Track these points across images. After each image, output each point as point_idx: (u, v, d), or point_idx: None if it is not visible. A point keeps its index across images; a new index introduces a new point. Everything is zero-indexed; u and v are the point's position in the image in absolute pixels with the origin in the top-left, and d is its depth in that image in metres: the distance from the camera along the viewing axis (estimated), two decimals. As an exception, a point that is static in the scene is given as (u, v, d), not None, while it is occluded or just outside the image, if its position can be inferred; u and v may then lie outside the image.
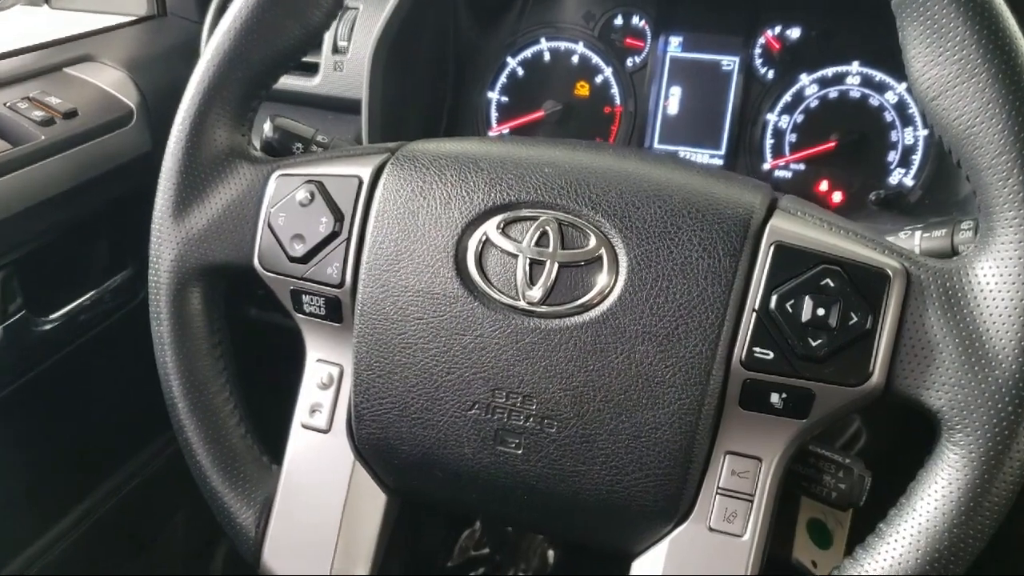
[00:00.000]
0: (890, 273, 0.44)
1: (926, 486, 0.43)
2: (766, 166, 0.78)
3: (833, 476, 0.51)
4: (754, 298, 0.45)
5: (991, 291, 0.42)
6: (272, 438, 0.58)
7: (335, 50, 0.80)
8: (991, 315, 0.42)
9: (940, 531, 0.42)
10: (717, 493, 0.47)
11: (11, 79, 0.74)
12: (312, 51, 0.59)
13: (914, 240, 0.53)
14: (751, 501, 0.47)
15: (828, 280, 0.44)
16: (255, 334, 0.84)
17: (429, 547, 1.37)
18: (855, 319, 0.43)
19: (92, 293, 0.77)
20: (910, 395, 0.43)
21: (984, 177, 0.42)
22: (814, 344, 0.44)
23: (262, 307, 0.92)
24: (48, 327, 0.73)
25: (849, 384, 0.44)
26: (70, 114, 0.72)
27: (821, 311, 0.44)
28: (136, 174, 0.79)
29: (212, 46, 0.55)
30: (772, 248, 0.45)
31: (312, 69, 0.81)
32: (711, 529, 0.47)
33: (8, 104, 0.70)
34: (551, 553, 1.41)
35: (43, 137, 0.69)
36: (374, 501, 0.54)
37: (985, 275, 0.42)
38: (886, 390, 0.44)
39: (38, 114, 0.71)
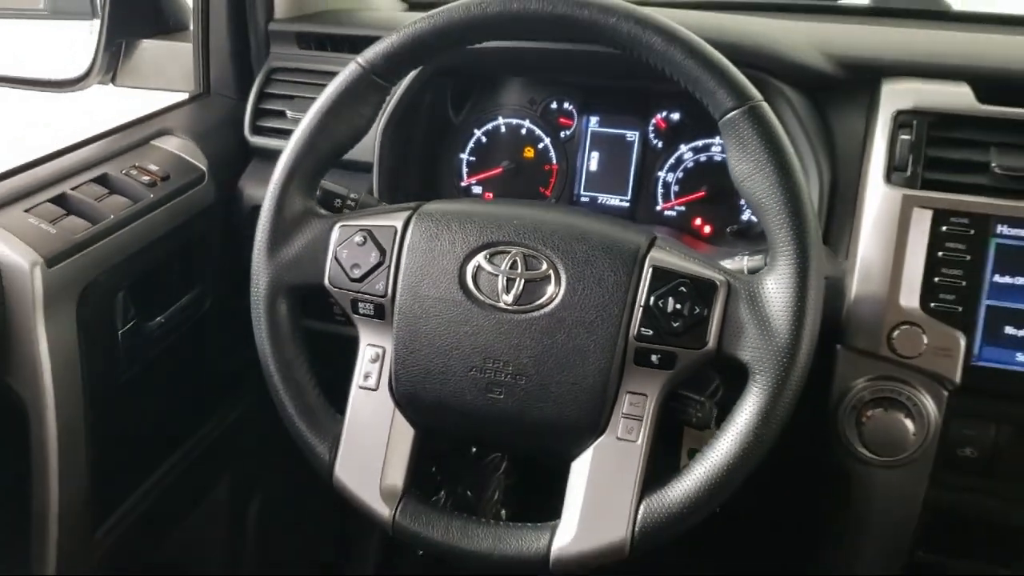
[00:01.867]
0: (718, 284, 0.75)
1: (741, 406, 0.74)
2: (658, 208, 1.10)
3: (695, 409, 0.82)
4: (641, 298, 0.75)
5: (774, 294, 0.73)
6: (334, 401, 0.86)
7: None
8: (774, 308, 0.73)
9: (748, 431, 0.73)
10: (622, 416, 0.77)
11: (120, 151, 1.02)
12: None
13: (744, 261, 0.84)
14: (641, 420, 0.77)
15: (682, 288, 0.75)
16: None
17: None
18: (698, 310, 0.74)
19: (175, 306, 1.05)
20: (730, 354, 0.74)
21: (770, 228, 0.73)
22: (675, 325, 0.75)
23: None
24: (152, 330, 1.01)
25: (695, 348, 0.75)
26: (165, 177, 1.01)
27: (679, 306, 0.75)
28: (204, 220, 1.07)
29: (291, 143, 0.83)
30: (651, 269, 0.76)
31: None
32: (618, 438, 0.77)
33: (123, 171, 0.98)
34: (503, 512, 1.71)
35: (151, 196, 0.98)
36: (407, 434, 0.83)
37: (771, 285, 0.73)
38: (717, 352, 0.75)
39: (145, 178, 0.99)
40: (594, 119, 1.12)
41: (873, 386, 0.89)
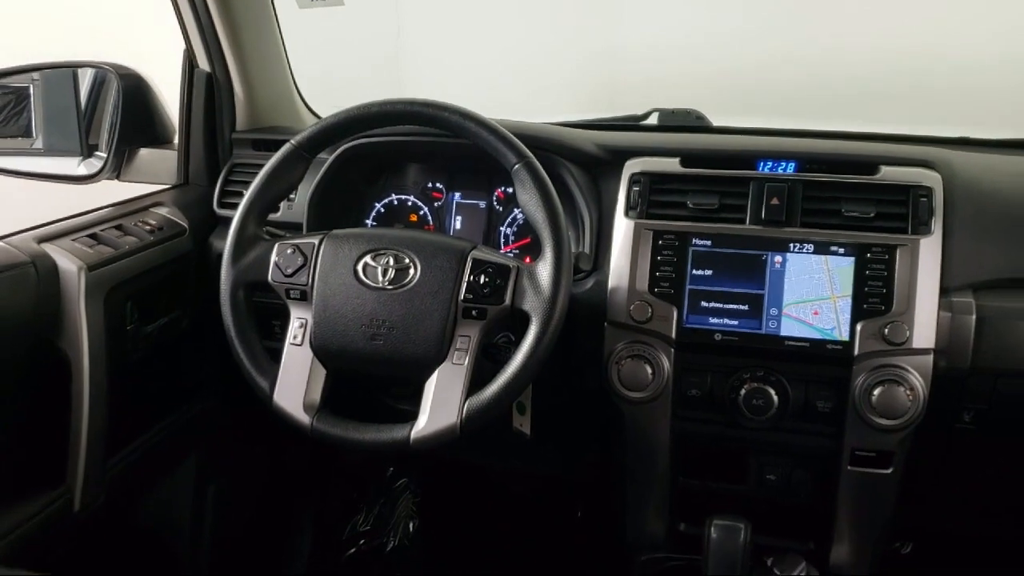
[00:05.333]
0: (511, 267, 1.22)
1: (525, 338, 1.20)
2: (501, 251, 1.60)
3: (504, 353, 1.29)
4: (466, 277, 1.23)
5: (542, 271, 1.21)
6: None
7: (287, 198, 1.59)
8: (542, 279, 1.20)
9: (529, 351, 1.18)
10: (455, 350, 1.22)
11: (130, 212, 1.50)
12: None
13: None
14: (467, 352, 1.22)
15: (490, 270, 1.22)
16: None
17: (329, 526, 2.07)
18: (499, 282, 1.21)
19: (162, 320, 1.51)
20: (518, 307, 1.21)
21: (539, 233, 1.22)
22: (486, 291, 1.21)
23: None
24: (146, 333, 1.46)
25: (497, 305, 1.22)
26: (160, 228, 1.49)
27: (487, 280, 1.21)
28: (185, 262, 1.54)
29: (249, 192, 1.32)
30: (471, 260, 1.23)
31: (277, 209, 1.59)
32: (453, 364, 1.22)
33: (133, 224, 1.46)
34: (412, 524, 2.12)
35: (152, 238, 1.45)
36: (321, 373, 1.24)
37: (541, 266, 1.21)
38: (511, 307, 1.22)
39: (147, 228, 1.47)
40: (457, 194, 1.63)
41: (628, 347, 1.37)
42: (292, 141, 1.32)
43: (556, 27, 2.97)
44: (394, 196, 1.65)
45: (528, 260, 1.57)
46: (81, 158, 1.78)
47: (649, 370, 1.35)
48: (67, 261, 1.29)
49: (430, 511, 2.10)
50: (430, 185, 1.64)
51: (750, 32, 2.53)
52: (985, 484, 1.54)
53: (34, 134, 1.83)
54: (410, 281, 1.24)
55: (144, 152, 1.73)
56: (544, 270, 1.21)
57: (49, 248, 1.30)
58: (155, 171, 1.72)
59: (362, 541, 2.07)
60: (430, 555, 2.06)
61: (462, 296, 1.22)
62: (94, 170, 1.69)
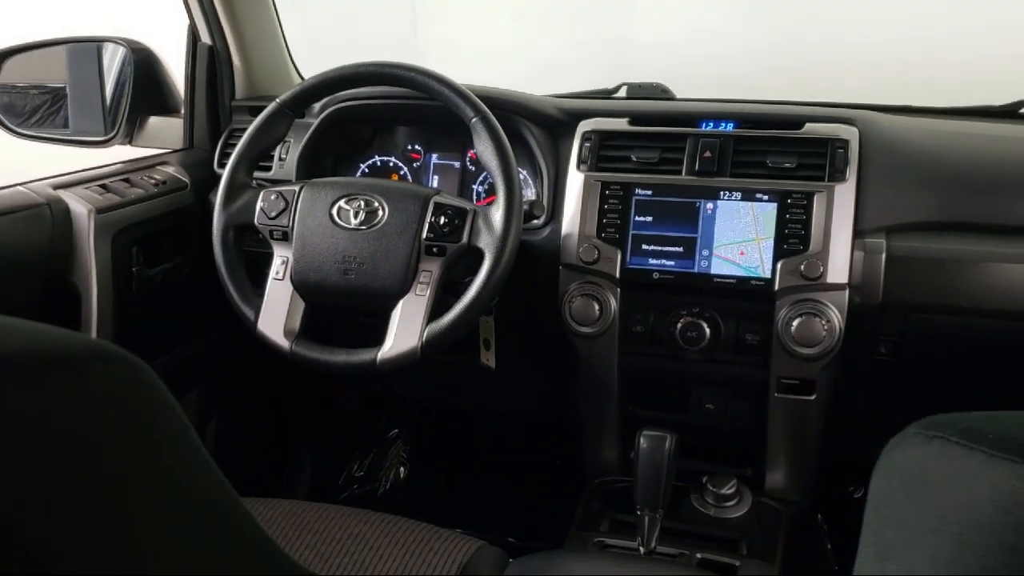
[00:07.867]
0: (468, 210, 1.38)
1: (479, 271, 1.36)
2: (475, 204, 1.75)
3: (463, 288, 1.45)
4: (428, 218, 1.39)
5: (495, 213, 1.36)
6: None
7: (279, 157, 1.75)
8: (495, 220, 1.36)
9: (482, 283, 1.34)
10: (418, 283, 1.39)
11: (138, 168, 1.67)
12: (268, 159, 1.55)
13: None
14: (429, 284, 1.38)
15: (450, 211, 1.38)
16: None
17: (325, 472, 2.23)
18: (457, 223, 1.38)
19: (165, 265, 1.68)
20: (473, 244, 1.36)
21: (494, 180, 1.38)
22: (445, 231, 1.37)
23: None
24: (150, 276, 1.63)
25: (456, 243, 1.37)
26: (164, 182, 1.66)
27: (446, 220, 1.38)
28: (185, 213, 1.72)
29: (239, 145, 1.49)
30: (433, 204, 1.40)
31: (270, 168, 1.75)
32: (416, 295, 1.38)
33: (140, 177, 1.64)
34: (402, 469, 2.28)
35: (156, 191, 1.63)
36: (300, 305, 1.42)
37: (494, 209, 1.37)
38: (468, 244, 1.38)
39: (152, 182, 1.64)
40: (434, 155, 1.79)
41: (579, 287, 1.52)
42: (277, 100, 1.49)
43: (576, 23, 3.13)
44: (377, 157, 1.81)
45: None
46: (104, 136, 1.96)
47: (597, 307, 1.50)
48: (78, 204, 1.47)
49: (419, 459, 2.26)
50: (410, 147, 1.81)
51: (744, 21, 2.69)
52: (914, 419, 1.67)
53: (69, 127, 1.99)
54: (379, 222, 1.40)
55: (154, 120, 1.91)
56: (497, 212, 1.36)
57: (63, 193, 1.47)
58: (164, 137, 1.90)
59: (355, 486, 2.23)
60: (418, 498, 2.22)
61: (424, 235, 1.38)
62: (109, 135, 1.87)
